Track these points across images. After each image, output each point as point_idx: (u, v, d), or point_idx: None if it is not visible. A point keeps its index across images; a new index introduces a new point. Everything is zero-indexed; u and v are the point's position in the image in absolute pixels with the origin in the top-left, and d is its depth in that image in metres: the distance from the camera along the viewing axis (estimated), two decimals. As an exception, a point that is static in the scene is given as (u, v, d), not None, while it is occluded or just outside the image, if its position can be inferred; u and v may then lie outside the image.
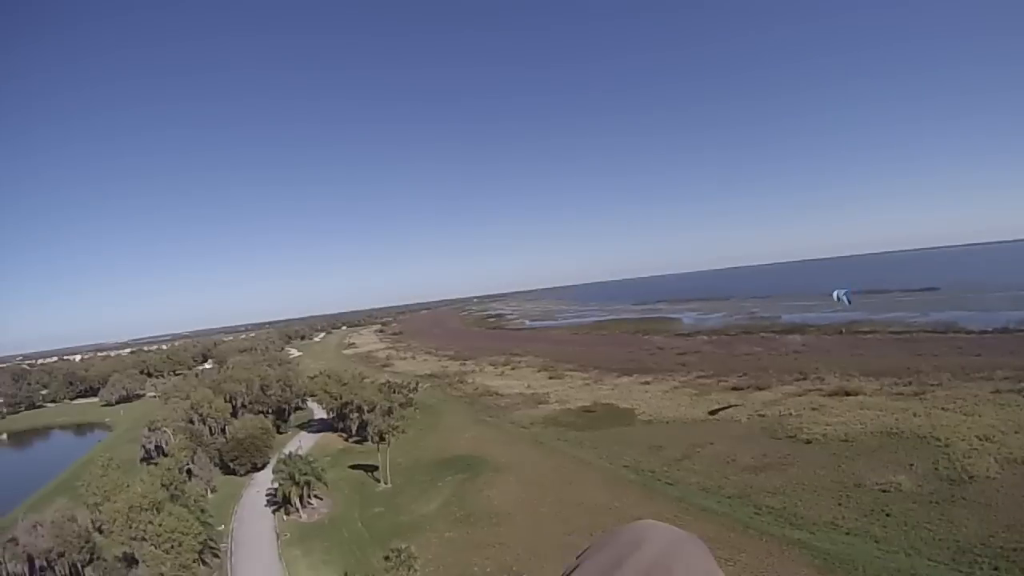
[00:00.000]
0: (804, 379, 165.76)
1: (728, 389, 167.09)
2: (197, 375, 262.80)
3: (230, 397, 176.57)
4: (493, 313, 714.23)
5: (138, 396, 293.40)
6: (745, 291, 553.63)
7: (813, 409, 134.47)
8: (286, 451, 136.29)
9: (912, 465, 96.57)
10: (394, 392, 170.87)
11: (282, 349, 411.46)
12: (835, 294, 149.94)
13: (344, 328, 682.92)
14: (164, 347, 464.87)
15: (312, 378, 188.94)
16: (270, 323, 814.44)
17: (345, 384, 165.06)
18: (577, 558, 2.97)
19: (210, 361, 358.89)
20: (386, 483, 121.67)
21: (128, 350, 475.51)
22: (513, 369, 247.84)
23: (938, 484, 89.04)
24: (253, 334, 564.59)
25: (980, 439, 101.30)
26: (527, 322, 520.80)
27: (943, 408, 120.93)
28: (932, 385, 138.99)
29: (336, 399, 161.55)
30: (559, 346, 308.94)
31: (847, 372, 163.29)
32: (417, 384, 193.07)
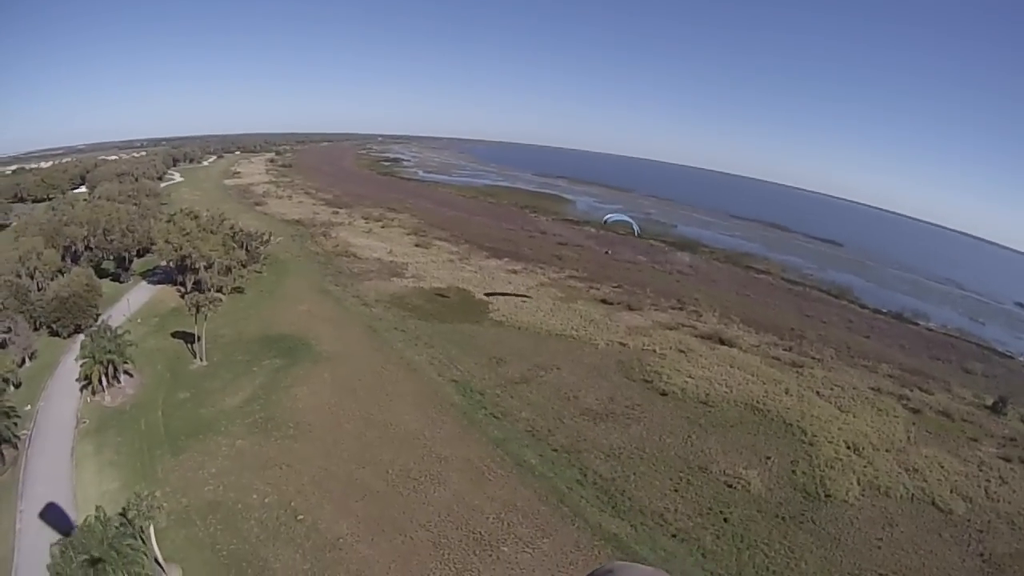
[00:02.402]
0: (680, 309, 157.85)
1: (596, 300, 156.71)
2: (54, 210, 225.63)
3: (70, 243, 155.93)
4: (391, 156, 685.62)
5: (3, 227, 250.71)
6: (649, 187, 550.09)
7: (680, 351, 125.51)
8: (110, 313, 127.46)
9: (769, 459, 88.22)
10: (241, 246, 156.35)
11: (161, 176, 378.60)
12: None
13: (238, 153, 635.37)
14: (51, 163, 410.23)
15: (169, 219, 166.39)
16: (168, 140, 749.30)
17: (187, 234, 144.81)
18: None
19: (85, 186, 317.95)
20: (202, 360, 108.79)
21: (12, 168, 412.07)
22: (383, 227, 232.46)
23: (791, 494, 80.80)
24: (144, 152, 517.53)
25: (848, 448, 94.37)
26: (420, 172, 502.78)
27: (818, 392, 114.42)
28: (813, 358, 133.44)
29: (176, 250, 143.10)
30: (441, 208, 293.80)
31: (728, 314, 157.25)
32: (270, 236, 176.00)
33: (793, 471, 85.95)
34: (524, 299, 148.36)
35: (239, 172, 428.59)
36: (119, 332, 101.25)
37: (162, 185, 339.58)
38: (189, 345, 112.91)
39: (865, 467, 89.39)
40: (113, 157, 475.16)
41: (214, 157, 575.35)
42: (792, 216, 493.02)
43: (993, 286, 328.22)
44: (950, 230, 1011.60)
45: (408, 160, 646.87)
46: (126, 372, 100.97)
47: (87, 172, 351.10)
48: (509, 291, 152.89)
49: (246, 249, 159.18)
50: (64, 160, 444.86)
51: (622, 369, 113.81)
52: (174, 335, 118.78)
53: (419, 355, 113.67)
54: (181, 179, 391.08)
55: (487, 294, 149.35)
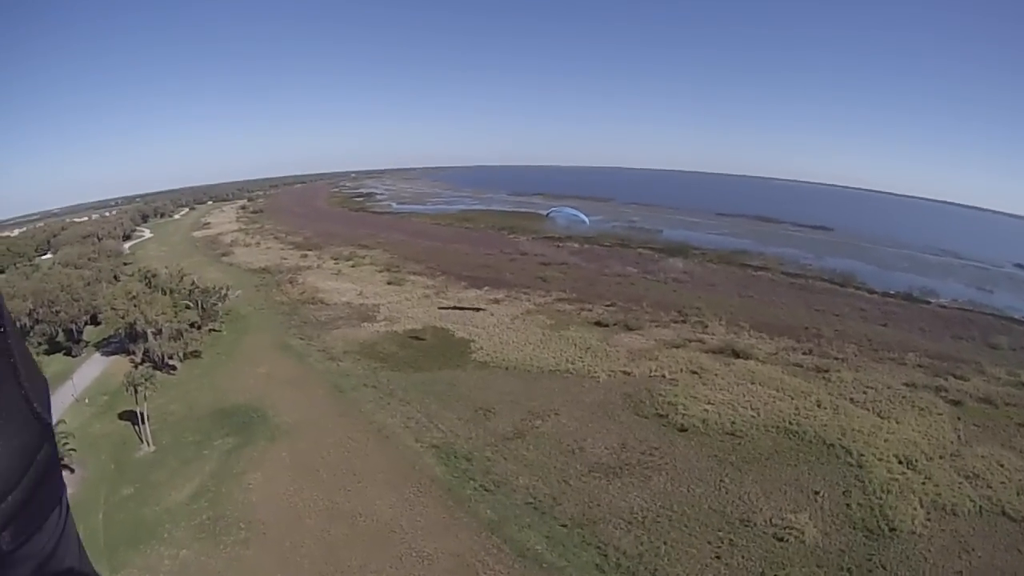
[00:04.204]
0: (683, 321, 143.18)
1: (590, 323, 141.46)
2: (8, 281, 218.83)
3: (15, 321, 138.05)
4: (364, 192, 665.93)
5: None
6: (629, 194, 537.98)
7: (692, 372, 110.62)
8: (55, 394, 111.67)
9: (818, 494, 73.79)
10: (196, 305, 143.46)
11: (129, 234, 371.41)
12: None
13: (210, 203, 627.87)
14: (24, 230, 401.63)
15: (129, 277, 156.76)
16: (142, 196, 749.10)
17: (134, 297, 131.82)
18: None
19: (51, 252, 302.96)
20: (148, 445, 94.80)
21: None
22: (354, 267, 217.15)
23: (851, 535, 66.45)
24: (114, 211, 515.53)
25: (901, 463, 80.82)
26: (394, 205, 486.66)
27: (852, 399, 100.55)
28: (836, 359, 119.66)
29: (122, 317, 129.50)
30: (415, 239, 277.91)
31: (735, 320, 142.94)
32: (227, 291, 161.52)
33: (847, 505, 71.73)
34: (477, 311, 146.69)
35: (209, 223, 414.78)
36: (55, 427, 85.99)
37: (130, 244, 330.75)
38: (136, 427, 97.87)
39: (924, 484, 75.76)
40: (84, 219, 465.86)
41: (186, 209, 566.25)
42: (775, 206, 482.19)
43: (987, 250, 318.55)
44: (925, 199, 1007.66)
45: (381, 193, 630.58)
46: (65, 467, 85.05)
47: (55, 235, 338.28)
48: (464, 306, 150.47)
49: (202, 307, 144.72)
50: (37, 225, 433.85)
51: (630, 404, 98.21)
52: (122, 416, 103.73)
53: (392, 417, 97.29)
54: (150, 235, 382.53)
55: (440, 308, 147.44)
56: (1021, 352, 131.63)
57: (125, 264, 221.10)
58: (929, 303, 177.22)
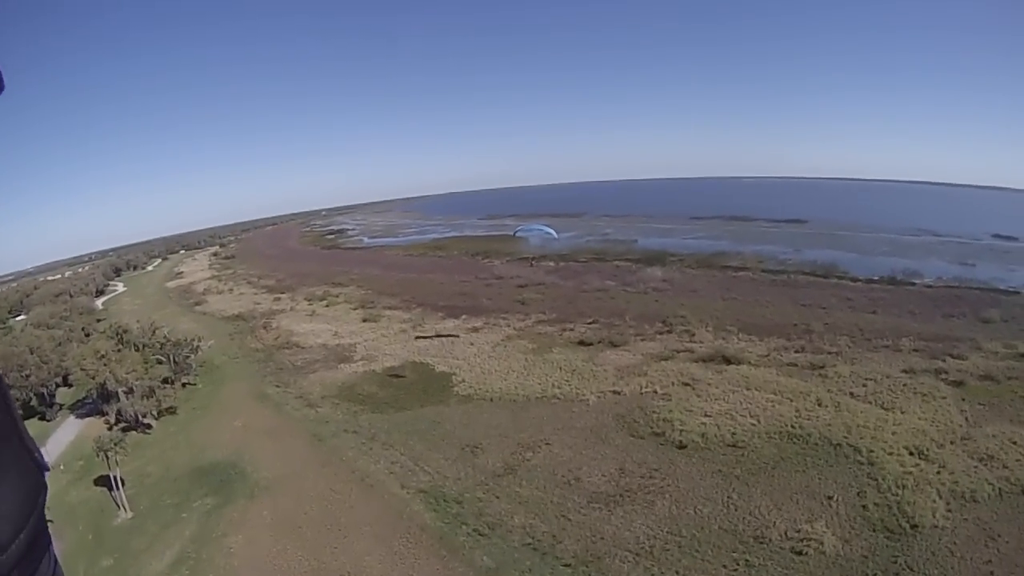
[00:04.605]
0: (669, 331, 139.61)
1: (574, 343, 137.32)
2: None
3: None
4: (335, 228, 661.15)
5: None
6: (601, 207, 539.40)
7: (685, 384, 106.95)
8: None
9: (831, 499, 70.12)
10: (167, 359, 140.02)
11: (102, 290, 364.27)
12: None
13: (182, 252, 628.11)
14: (3, 288, 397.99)
15: (100, 334, 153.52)
16: (115, 249, 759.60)
17: (102, 356, 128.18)
18: None
19: (24, 312, 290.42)
20: (126, 511, 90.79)
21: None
22: (328, 306, 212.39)
23: (872, 538, 62.88)
24: (87, 267, 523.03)
25: (912, 454, 77.62)
26: (365, 239, 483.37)
27: (851, 393, 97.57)
28: (830, 353, 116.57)
29: (92, 377, 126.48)
30: (388, 272, 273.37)
31: (722, 325, 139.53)
32: (199, 343, 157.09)
33: (864, 507, 68.32)
34: (455, 337, 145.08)
35: (182, 272, 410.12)
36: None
37: (104, 299, 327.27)
38: (113, 492, 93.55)
39: (939, 473, 72.61)
40: (56, 276, 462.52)
41: (159, 260, 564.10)
42: (746, 204, 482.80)
43: (963, 225, 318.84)
44: (892, 181, 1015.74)
45: (352, 229, 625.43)
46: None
47: (28, 295, 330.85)
48: (443, 334, 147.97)
49: (174, 361, 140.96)
50: (11, 285, 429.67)
51: (624, 426, 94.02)
52: (98, 481, 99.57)
53: (376, 463, 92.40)
54: (124, 288, 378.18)
55: (417, 337, 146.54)
56: (1014, 323, 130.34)
57: (98, 320, 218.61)
58: (915, 284, 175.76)
